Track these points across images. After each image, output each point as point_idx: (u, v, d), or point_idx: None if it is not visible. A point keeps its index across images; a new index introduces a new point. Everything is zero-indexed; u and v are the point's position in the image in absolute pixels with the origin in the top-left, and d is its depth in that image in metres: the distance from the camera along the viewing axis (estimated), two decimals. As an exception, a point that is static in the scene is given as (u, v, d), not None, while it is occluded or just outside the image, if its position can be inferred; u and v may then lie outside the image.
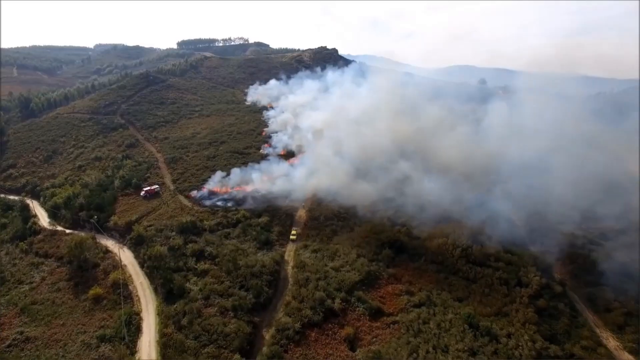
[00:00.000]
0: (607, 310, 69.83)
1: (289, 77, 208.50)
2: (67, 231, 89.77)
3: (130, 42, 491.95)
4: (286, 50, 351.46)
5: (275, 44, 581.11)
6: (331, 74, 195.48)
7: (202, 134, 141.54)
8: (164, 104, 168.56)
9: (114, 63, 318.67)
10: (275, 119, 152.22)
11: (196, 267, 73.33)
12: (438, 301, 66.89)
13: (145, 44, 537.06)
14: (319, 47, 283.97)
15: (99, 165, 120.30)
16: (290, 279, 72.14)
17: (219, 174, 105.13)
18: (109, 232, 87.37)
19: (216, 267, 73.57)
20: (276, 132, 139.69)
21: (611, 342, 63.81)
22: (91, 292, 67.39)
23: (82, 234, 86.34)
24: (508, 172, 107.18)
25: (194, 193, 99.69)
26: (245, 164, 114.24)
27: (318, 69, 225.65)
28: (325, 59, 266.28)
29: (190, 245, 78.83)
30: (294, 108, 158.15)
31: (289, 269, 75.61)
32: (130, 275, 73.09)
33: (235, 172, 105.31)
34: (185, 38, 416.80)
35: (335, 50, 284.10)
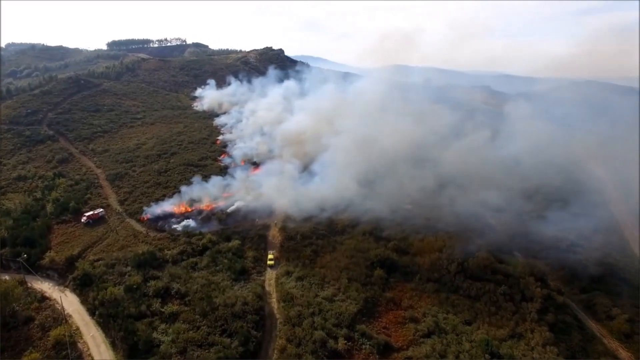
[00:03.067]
0: (608, 318, 67.85)
1: (248, 81, 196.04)
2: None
3: (51, 42, 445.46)
4: (227, 51, 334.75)
5: (214, 44, 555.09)
6: (293, 78, 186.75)
7: (148, 144, 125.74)
8: (99, 111, 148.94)
9: (32, 65, 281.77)
10: (236, 126, 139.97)
11: (163, 310, 60.82)
12: (447, 327, 60.53)
13: (69, 44, 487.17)
14: (264, 48, 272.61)
15: (24, 186, 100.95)
16: (277, 316, 62.11)
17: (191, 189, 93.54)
18: (44, 273, 71.34)
19: (187, 308, 61.66)
20: (233, 141, 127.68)
21: (622, 353, 61.42)
22: (25, 359, 52.48)
23: (7, 277, 69.66)
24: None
25: (148, 215, 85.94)
26: (202, 177, 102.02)
27: (275, 70, 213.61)
28: (271, 59, 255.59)
29: (151, 282, 65.90)
30: (266, 113, 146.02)
31: (273, 302, 65.52)
32: (77, 328, 58.92)
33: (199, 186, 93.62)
34: (116, 38, 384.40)
35: (281, 51, 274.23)
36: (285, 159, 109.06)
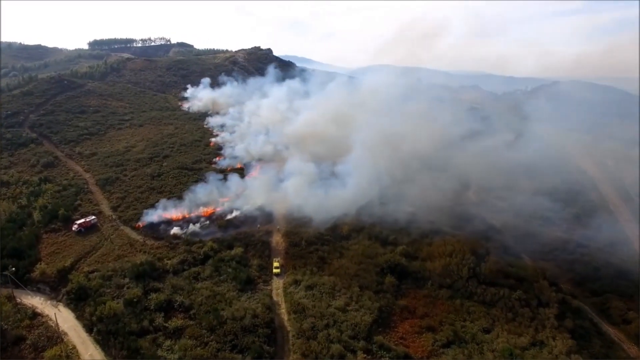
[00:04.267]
0: (624, 322, 66.90)
1: (242, 80, 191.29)
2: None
3: (28, 41, 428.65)
4: (214, 51, 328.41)
5: (199, 44, 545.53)
6: (294, 78, 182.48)
7: (138, 147, 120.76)
8: (85, 112, 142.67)
9: (10, 64, 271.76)
10: (236, 126, 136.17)
11: (167, 325, 56.99)
12: (467, 336, 58.37)
13: (48, 43, 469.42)
14: (252, 48, 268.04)
15: (7, 192, 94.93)
16: (289, 328, 58.91)
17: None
18: (35, 286, 66.43)
19: (193, 322, 58.00)
20: (231, 141, 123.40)
21: (643, 359, 60.19)
22: (20, 383, 48.27)
23: (-6, 291, 64.87)
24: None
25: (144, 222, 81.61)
26: (197, 181, 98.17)
27: (275, 70, 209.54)
28: (260, 59, 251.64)
29: (152, 295, 61.95)
30: (271, 113, 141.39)
31: (283, 313, 62.30)
32: (74, 347, 54.52)
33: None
34: (97, 37, 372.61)
35: (269, 51, 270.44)
36: (298, 159, 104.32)
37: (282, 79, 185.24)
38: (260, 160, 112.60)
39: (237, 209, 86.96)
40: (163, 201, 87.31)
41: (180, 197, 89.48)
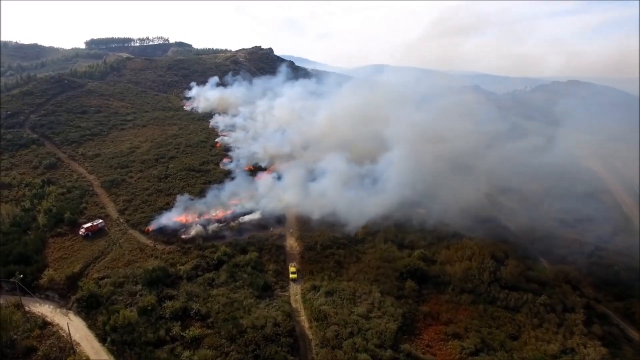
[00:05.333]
0: (651, 328, 65.12)
1: (249, 80, 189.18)
2: (-26, 297, 64.25)
3: (24, 40, 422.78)
4: (213, 51, 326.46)
5: (197, 44, 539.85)
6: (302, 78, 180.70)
7: (143, 148, 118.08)
8: (86, 112, 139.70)
9: (6, 63, 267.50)
10: (249, 126, 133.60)
11: (184, 334, 54.67)
12: (494, 343, 56.43)
13: (44, 42, 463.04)
14: (253, 47, 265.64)
15: (10, 195, 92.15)
16: (311, 337, 56.78)
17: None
18: (43, 293, 63.89)
19: (211, 331, 55.74)
20: (242, 142, 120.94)
21: (674, 367, 58.51)
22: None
23: (0, 300, 62.28)
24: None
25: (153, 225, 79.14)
26: (206, 183, 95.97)
27: (283, 69, 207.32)
28: (261, 59, 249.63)
29: (167, 302, 59.65)
30: (287, 112, 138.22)
31: (303, 321, 60.15)
32: (87, 358, 52.03)
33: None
34: (94, 37, 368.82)
35: (270, 50, 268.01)
36: (331, 158, 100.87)
37: (294, 78, 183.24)
38: (278, 159, 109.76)
39: (257, 210, 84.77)
40: (180, 198, 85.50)
41: (201, 195, 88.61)
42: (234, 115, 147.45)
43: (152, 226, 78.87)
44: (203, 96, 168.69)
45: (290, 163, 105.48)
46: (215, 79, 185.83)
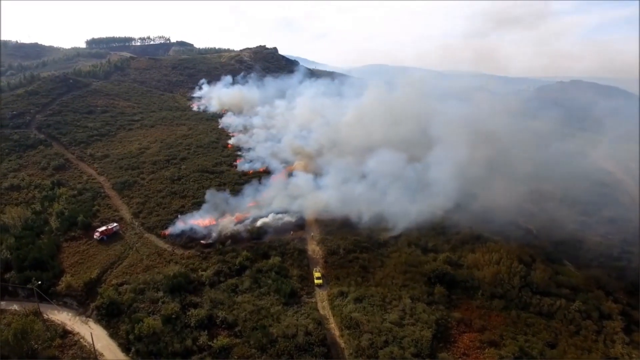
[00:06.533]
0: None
1: (260, 80, 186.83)
2: (-12, 304, 61.67)
3: (23, 39, 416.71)
4: (215, 50, 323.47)
5: (198, 43, 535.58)
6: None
7: (152, 149, 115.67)
8: (93, 112, 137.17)
9: (6, 63, 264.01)
10: (268, 126, 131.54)
11: (211, 344, 52.33)
12: (533, 352, 54.30)
13: (44, 41, 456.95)
14: (258, 47, 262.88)
15: (19, 197, 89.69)
16: (343, 345, 54.56)
17: None
18: (61, 300, 61.43)
19: (239, 340, 53.44)
20: (258, 143, 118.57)
21: None
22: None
23: (15, 306, 59.86)
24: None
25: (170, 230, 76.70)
26: (222, 185, 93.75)
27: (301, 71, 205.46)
28: (266, 58, 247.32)
29: (192, 310, 57.26)
30: (308, 112, 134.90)
31: (333, 329, 57.93)
32: (112, 369, 49.78)
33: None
34: (95, 36, 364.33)
35: (275, 50, 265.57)
36: (378, 158, 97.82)
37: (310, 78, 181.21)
38: (308, 159, 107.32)
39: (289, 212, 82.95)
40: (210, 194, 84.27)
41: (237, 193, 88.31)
42: (252, 115, 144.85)
43: (175, 230, 76.20)
44: (216, 95, 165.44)
45: (325, 162, 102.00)
46: (229, 78, 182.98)
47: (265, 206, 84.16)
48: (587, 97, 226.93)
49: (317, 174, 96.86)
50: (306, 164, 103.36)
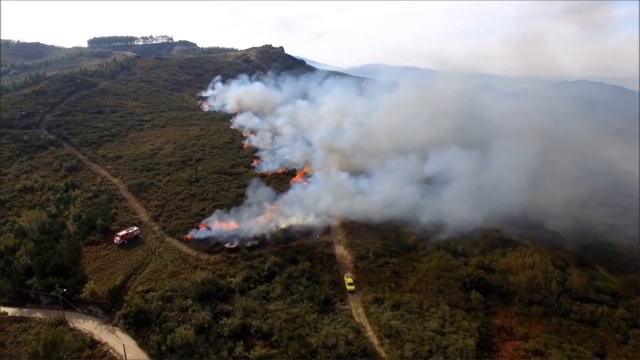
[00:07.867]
0: None
1: (275, 79, 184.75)
2: (8, 313, 58.92)
3: (25, 39, 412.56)
4: (219, 49, 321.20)
5: (201, 42, 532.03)
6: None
7: (166, 150, 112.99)
8: (102, 112, 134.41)
9: (8, 62, 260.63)
10: (294, 126, 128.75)
11: (248, 355, 49.86)
12: (582, 362, 52.06)
13: (45, 40, 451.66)
14: (264, 46, 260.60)
15: (33, 199, 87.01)
16: (383, 355, 52.13)
17: None
18: (85, 308, 58.84)
19: (276, 350, 50.97)
20: (283, 144, 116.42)
21: None
22: None
23: (39, 314, 57.31)
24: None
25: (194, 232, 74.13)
26: (240, 187, 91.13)
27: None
28: (273, 57, 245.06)
29: (224, 319, 54.75)
30: (337, 112, 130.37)
31: (371, 337, 55.51)
32: (146, 383, 47.23)
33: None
34: (97, 35, 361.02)
35: (281, 49, 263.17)
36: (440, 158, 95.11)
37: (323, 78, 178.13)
38: (345, 159, 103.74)
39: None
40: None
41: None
42: (273, 115, 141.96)
43: (202, 234, 73.75)
44: (232, 95, 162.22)
45: (364, 163, 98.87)
46: (245, 77, 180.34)
47: (299, 207, 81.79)
48: (599, 96, 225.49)
49: (358, 173, 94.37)
50: (341, 164, 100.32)
